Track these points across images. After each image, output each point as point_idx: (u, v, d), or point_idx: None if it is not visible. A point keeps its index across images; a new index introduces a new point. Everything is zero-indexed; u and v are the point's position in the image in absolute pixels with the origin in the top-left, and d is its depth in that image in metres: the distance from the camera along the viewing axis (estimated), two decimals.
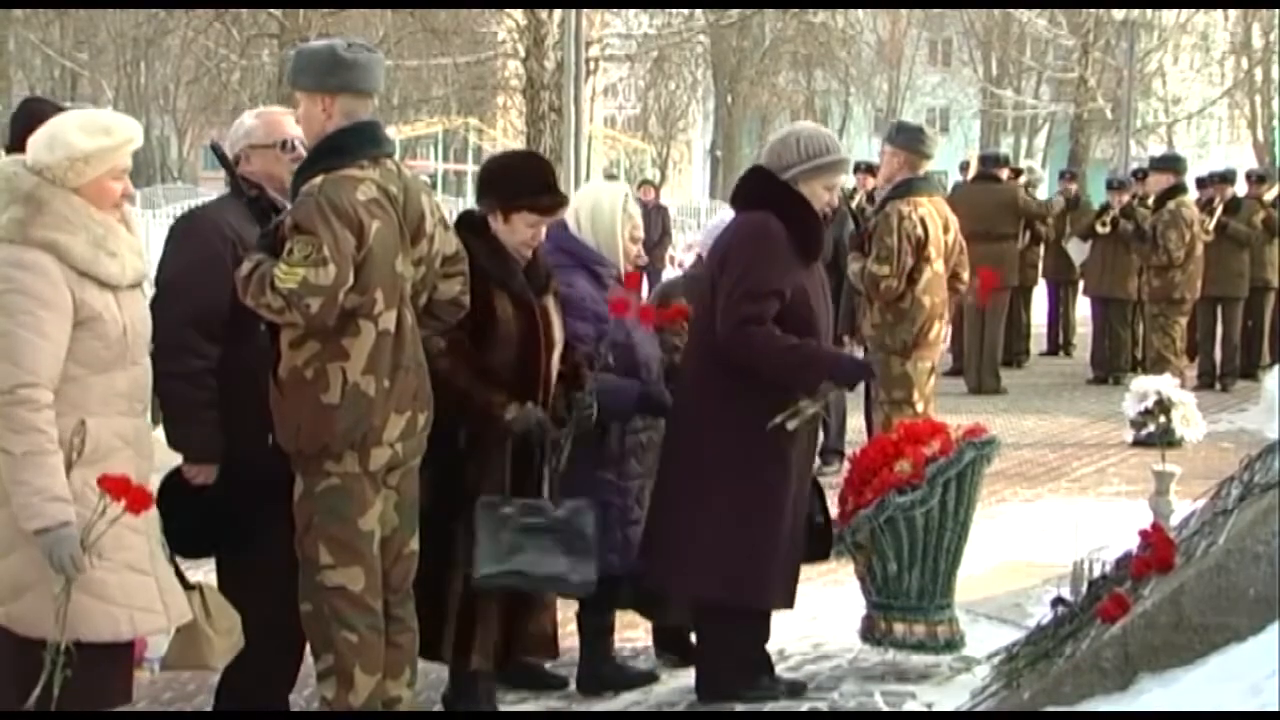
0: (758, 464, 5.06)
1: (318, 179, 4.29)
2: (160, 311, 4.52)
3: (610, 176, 22.12)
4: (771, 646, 5.61)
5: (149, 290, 4.30)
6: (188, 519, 4.39)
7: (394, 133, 28.91)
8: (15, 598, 3.76)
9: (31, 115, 4.78)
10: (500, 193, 4.93)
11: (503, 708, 5.29)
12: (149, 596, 3.89)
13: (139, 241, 4.01)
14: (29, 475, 3.68)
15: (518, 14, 20.02)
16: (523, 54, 19.62)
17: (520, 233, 4.91)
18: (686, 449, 5.13)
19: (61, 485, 3.71)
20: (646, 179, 19.11)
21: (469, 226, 4.93)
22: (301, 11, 22.63)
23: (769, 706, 5.22)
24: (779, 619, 5.55)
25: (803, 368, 5.09)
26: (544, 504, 4.87)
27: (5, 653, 3.81)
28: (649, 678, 5.52)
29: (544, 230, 4.99)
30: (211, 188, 35.58)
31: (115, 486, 3.73)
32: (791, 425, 5.00)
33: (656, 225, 18.64)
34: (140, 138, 3.99)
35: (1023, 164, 18.51)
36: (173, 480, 4.55)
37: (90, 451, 3.79)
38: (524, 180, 4.94)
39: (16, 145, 4.86)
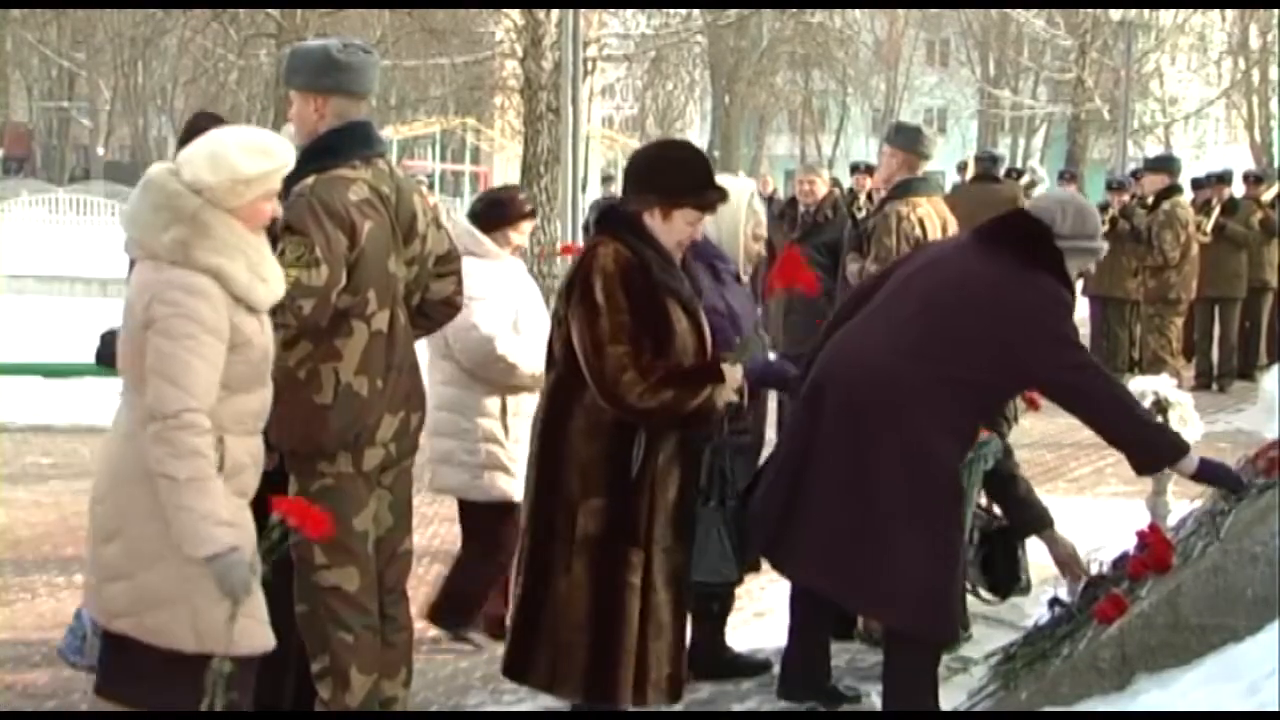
0: (954, 499, 4.88)
1: (309, 179, 4.28)
2: None
3: (607, 178, 22.10)
4: (769, 647, 5.60)
5: None
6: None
7: (391, 132, 28.92)
8: (151, 610, 3.73)
9: (199, 132, 4.90)
10: (661, 188, 4.48)
11: (502, 708, 5.28)
12: (263, 608, 3.90)
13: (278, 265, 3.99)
14: (194, 501, 3.64)
15: (515, 14, 19.99)
16: (520, 54, 19.58)
17: (680, 231, 4.51)
18: (885, 479, 4.68)
19: (224, 509, 3.69)
20: None
21: (627, 228, 4.47)
22: (299, 11, 22.60)
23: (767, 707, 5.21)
24: (775, 620, 5.53)
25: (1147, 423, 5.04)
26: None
27: (132, 658, 3.79)
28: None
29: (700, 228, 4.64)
30: None
31: (294, 510, 3.78)
32: None
33: None
34: (293, 160, 3.97)
35: (1025, 165, 18.51)
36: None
37: (228, 469, 3.79)
38: (688, 175, 4.53)
39: None
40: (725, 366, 4.44)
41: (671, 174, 4.51)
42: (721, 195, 4.63)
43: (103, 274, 24.03)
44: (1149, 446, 4.81)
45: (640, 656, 4.39)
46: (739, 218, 5.33)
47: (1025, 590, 5.64)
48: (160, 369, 3.65)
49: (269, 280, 3.87)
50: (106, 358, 12.67)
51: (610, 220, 4.57)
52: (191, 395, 3.65)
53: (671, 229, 4.48)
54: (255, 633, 3.80)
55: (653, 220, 4.46)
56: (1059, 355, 4.67)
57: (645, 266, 4.37)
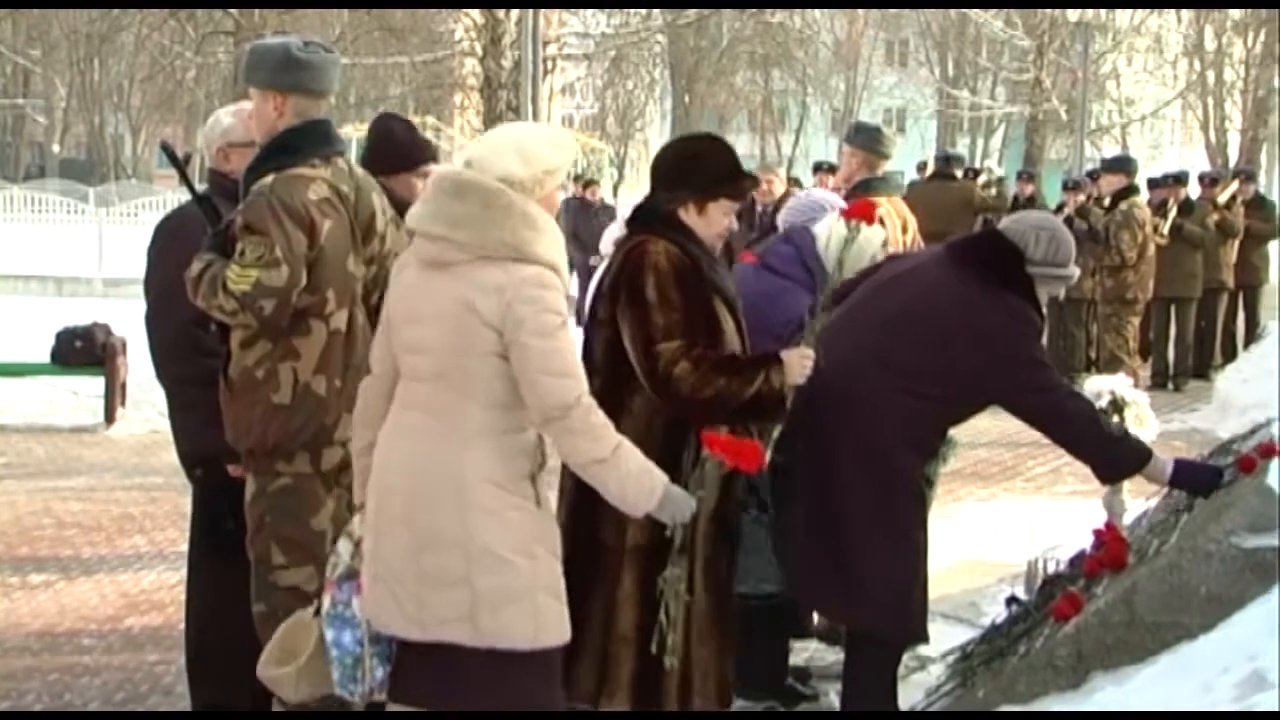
0: (916, 500, 4.88)
1: (269, 178, 4.26)
2: (165, 313, 4.49)
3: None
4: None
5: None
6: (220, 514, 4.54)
7: (351, 131, 28.82)
8: (491, 611, 3.68)
9: (386, 131, 5.12)
10: (694, 183, 4.38)
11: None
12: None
13: None
14: (627, 464, 3.70)
15: (475, 13, 19.98)
16: (480, 53, 19.58)
17: (718, 223, 4.42)
18: (848, 483, 4.67)
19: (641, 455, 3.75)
20: (591, 178, 19.04)
21: (671, 225, 4.36)
22: (257, 10, 22.50)
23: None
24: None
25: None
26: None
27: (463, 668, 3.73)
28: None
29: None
30: (166, 186, 35.41)
31: (726, 447, 3.85)
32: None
33: (603, 223, 18.61)
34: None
35: (982, 165, 18.61)
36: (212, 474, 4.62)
37: None
38: (719, 165, 4.44)
39: (376, 160, 5.02)
40: (788, 351, 4.35)
41: (702, 166, 4.43)
42: (754, 182, 4.60)
43: (58, 272, 23.90)
44: (1115, 461, 4.80)
45: (685, 665, 4.33)
46: (863, 262, 5.21)
47: None
48: (546, 367, 3.63)
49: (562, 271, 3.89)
50: (62, 357, 12.66)
51: (648, 218, 4.45)
52: (579, 379, 3.68)
53: (709, 222, 4.40)
54: (562, 617, 3.79)
55: (688, 216, 4.38)
56: (1025, 376, 4.65)
57: (696, 265, 4.31)
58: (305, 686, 3.94)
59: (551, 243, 3.74)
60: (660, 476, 3.75)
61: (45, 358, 11.75)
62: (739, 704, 5.29)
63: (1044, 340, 4.98)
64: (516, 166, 3.73)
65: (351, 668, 3.86)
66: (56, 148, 54.77)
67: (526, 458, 3.74)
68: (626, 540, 4.29)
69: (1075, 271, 4.97)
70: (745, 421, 4.38)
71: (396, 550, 3.73)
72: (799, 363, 4.31)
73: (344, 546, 3.95)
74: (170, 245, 4.58)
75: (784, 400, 4.32)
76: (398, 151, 5.12)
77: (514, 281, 3.64)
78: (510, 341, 3.63)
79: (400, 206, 5.14)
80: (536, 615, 3.69)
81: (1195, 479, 4.91)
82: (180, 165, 4.64)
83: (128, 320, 10.03)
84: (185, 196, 4.71)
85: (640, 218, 4.47)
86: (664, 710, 4.32)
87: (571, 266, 21.13)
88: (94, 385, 11.77)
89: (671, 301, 4.22)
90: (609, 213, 18.96)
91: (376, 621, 3.80)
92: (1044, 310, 4.85)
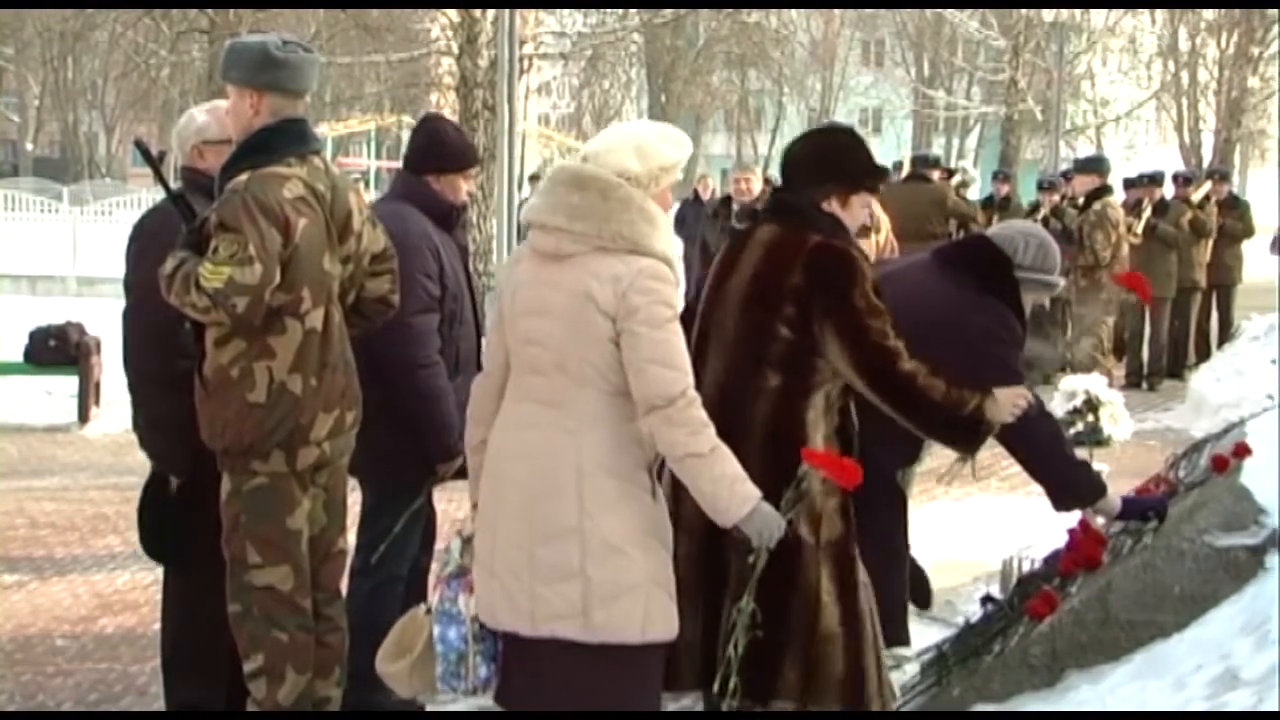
0: (897, 501, 4.89)
1: (243, 176, 4.24)
2: (143, 313, 4.47)
3: (534, 177, 22.04)
4: None
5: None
6: (163, 521, 4.56)
7: (326, 130, 28.74)
8: (603, 605, 3.67)
9: (437, 133, 5.18)
10: (839, 175, 4.25)
11: (470, 708, 5.25)
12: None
13: None
14: (723, 467, 3.69)
15: (451, 12, 19.91)
16: (456, 51, 19.51)
17: (859, 216, 4.32)
18: None
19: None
20: None
21: (838, 226, 4.22)
22: (232, 9, 22.39)
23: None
24: None
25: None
26: None
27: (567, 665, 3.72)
28: None
29: None
30: (140, 184, 35.29)
31: (825, 462, 3.85)
32: None
33: None
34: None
35: (957, 165, 18.66)
36: (156, 484, 4.63)
37: None
38: (862, 157, 4.34)
39: (425, 160, 5.10)
40: (1003, 390, 4.32)
41: (847, 160, 4.32)
42: (885, 172, 4.55)
43: (32, 271, 23.79)
44: (1073, 487, 4.82)
45: (877, 658, 4.22)
46: None
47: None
48: (655, 356, 3.64)
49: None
50: (36, 356, 12.60)
51: (804, 215, 4.24)
52: (687, 374, 3.69)
53: (853, 216, 4.29)
54: (671, 611, 3.78)
55: (832, 209, 4.24)
56: (1001, 385, 4.66)
57: (866, 261, 4.23)
58: (418, 682, 4.00)
59: (666, 237, 3.78)
60: (755, 490, 3.73)
61: (19, 357, 11.70)
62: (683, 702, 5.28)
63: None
64: (633, 162, 3.77)
65: (455, 664, 3.89)
66: (30, 146, 54.51)
67: (642, 447, 3.75)
68: (821, 536, 4.15)
69: (1061, 281, 5.00)
70: (945, 438, 4.35)
71: (511, 543, 3.74)
72: (1010, 401, 4.36)
73: (455, 544, 3.98)
74: (150, 244, 4.57)
75: (988, 431, 4.31)
76: (447, 153, 5.18)
77: (631, 272, 3.67)
78: (622, 329, 3.66)
79: (445, 207, 5.16)
80: (646, 607, 3.70)
81: (1142, 507, 4.94)
82: (155, 163, 4.62)
83: (102, 319, 10.00)
84: (160, 195, 4.69)
85: (789, 213, 4.28)
86: (857, 710, 4.14)
87: None
88: (68, 384, 11.72)
89: (876, 305, 4.13)
90: None
91: (488, 617, 3.81)
92: (1026, 321, 4.86)
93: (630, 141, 3.83)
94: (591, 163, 3.80)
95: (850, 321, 4.10)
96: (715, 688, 3.96)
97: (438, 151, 5.18)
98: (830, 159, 4.31)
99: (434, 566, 3.98)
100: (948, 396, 4.18)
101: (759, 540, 3.77)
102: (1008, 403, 4.34)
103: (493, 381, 3.91)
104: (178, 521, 4.60)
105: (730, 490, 3.70)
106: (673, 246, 3.82)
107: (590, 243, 3.70)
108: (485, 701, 5.37)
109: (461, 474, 5.37)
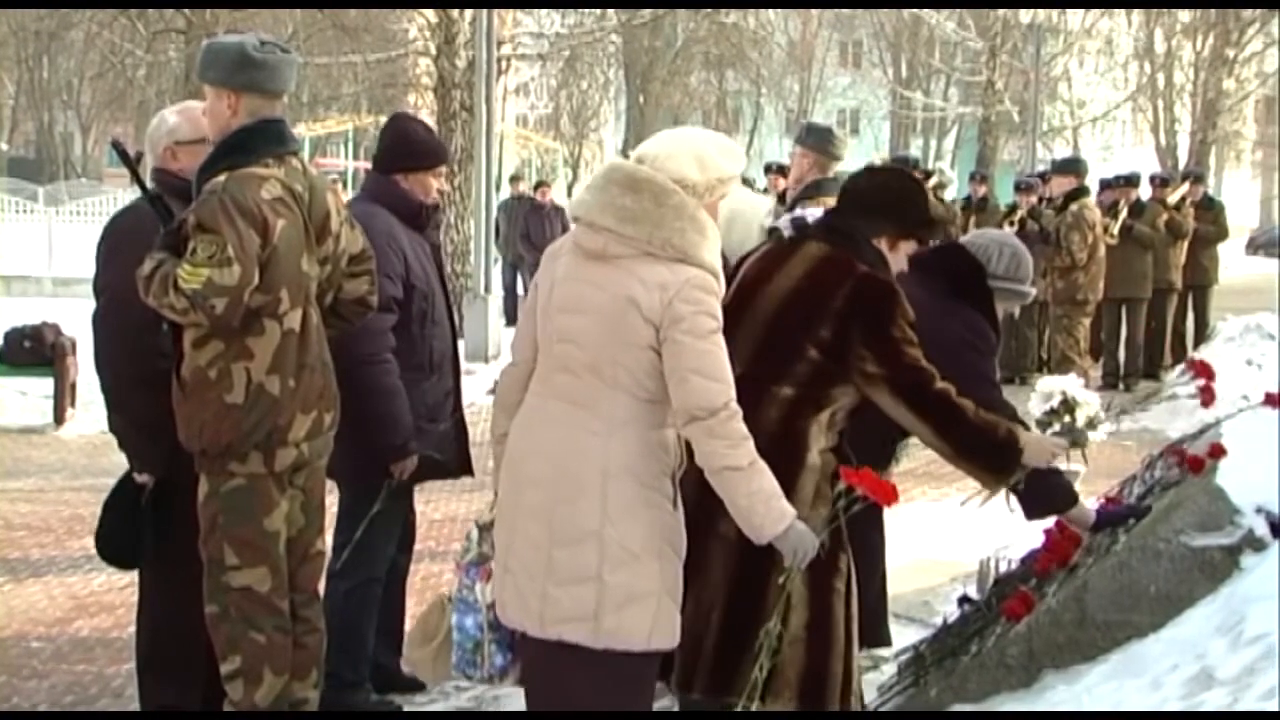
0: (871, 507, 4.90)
1: (221, 177, 4.24)
2: (117, 315, 4.45)
3: (514, 178, 22.02)
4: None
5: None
6: (128, 524, 4.52)
7: (304, 130, 28.66)
8: (615, 611, 3.65)
9: (404, 131, 5.22)
10: (898, 218, 4.35)
11: (498, 707, 5.25)
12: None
13: None
14: (760, 482, 3.66)
15: (429, 12, 19.88)
16: (434, 52, 19.48)
17: (900, 263, 4.37)
18: None
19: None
20: (542, 180, 19.00)
21: (883, 262, 4.29)
22: (209, 8, 22.31)
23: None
24: None
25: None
26: None
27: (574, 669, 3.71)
28: None
29: None
30: (116, 184, 35.12)
31: (864, 480, 3.84)
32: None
33: (555, 225, 18.59)
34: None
35: (934, 166, 18.70)
36: (126, 486, 4.60)
37: None
38: (921, 207, 4.44)
39: (393, 159, 5.13)
40: (1041, 436, 4.40)
41: (908, 205, 4.40)
42: (938, 227, 4.60)
43: (6, 271, 23.69)
44: (1046, 496, 4.83)
45: (846, 664, 4.25)
46: (751, 234, 5.23)
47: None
48: (698, 367, 3.61)
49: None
50: (11, 356, 12.55)
51: (854, 245, 4.29)
52: (730, 386, 3.65)
53: (897, 259, 4.36)
54: (676, 618, 3.77)
55: (881, 247, 4.32)
56: (973, 392, 4.67)
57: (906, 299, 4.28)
58: (440, 668, 4.03)
59: (715, 249, 3.74)
60: (791, 508, 3.71)
61: None
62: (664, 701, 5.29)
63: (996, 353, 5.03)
64: (693, 171, 3.73)
65: (471, 652, 3.91)
66: (5, 146, 54.21)
67: (668, 454, 3.73)
68: None
69: (1033, 290, 5.04)
70: (983, 461, 4.38)
71: (529, 543, 3.72)
72: (1043, 448, 4.41)
73: (474, 533, 3.99)
74: (123, 244, 4.54)
75: (1020, 455, 4.34)
76: (415, 151, 5.19)
77: (678, 281, 3.64)
78: (665, 338, 3.63)
79: (414, 206, 5.16)
80: (655, 616, 3.69)
81: (1115, 517, 4.96)
82: (131, 163, 4.61)
83: (77, 320, 9.95)
84: (136, 195, 4.68)
85: (841, 237, 4.32)
86: (824, 711, 4.18)
87: (523, 265, 20.96)
88: (43, 385, 11.68)
89: (912, 338, 4.20)
90: (560, 214, 18.95)
91: (502, 614, 3.82)
92: (1000, 329, 4.89)
93: (691, 149, 3.78)
94: (648, 165, 3.74)
95: (889, 350, 4.17)
96: (739, 706, 3.97)
97: (405, 150, 5.17)
98: (892, 201, 4.38)
99: (455, 550, 3.99)
100: (979, 416, 4.26)
101: (792, 559, 3.74)
102: (1044, 450, 4.41)
103: (521, 373, 3.88)
104: (136, 528, 4.56)
105: (766, 506, 3.67)
106: (719, 257, 3.76)
107: (639, 247, 3.66)
108: (464, 703, 5.41)
109: (433, 474, 5.37)
